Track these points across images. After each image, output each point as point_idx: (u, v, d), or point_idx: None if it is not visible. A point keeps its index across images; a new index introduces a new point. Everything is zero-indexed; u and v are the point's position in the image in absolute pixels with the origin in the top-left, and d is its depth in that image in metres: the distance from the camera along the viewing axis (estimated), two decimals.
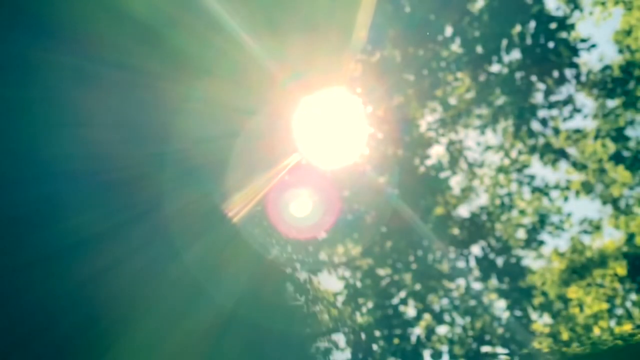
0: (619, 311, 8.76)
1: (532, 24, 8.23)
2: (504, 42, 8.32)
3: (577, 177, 9.37)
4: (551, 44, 8.30)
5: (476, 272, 9.48)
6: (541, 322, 9.24)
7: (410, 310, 9.36)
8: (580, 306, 8.88)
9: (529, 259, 9.65)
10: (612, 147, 8.98)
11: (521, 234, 9.71)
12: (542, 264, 9.65)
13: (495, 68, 8.71)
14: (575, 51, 8.33)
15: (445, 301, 9.49)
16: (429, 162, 9.46)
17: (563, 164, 9.30)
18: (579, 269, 9.17)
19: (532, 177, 9.63)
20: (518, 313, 9.30)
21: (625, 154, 8.94)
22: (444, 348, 9.30)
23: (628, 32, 8.62)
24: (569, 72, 8.54)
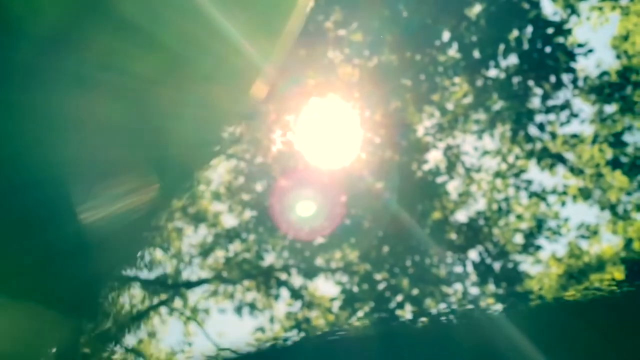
0: None
1: (529, 29, 8.24)
2: (501, 47, 8.32)
3: (574, 182, 9.36)
4: (548, 49, 8.31)
5: (473, 277, 9.46)
6: None
7: (407, 315, 9.34)
8: None
9: (527, 264, 9.64)
10: (609, 152, 8.99)
11: (518, 239, 9.69)
12: (539, 269, 9.64)
13: (492, 73, 8.72)
14: (572, 56, 8.33)
15: (442, 306, 9.48)
16: (426, 167, 9.45)
17: (560, 169, 9.29)
18: (577, 274, 9.16)
19: (530, 182, 9.62)
20: None
21: (623, 159, 8.94)
22: None
23: (625, 38, 8.63)
24: (566, 77, 8.54)
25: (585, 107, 9.14)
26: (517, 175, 9.62)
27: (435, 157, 9.72)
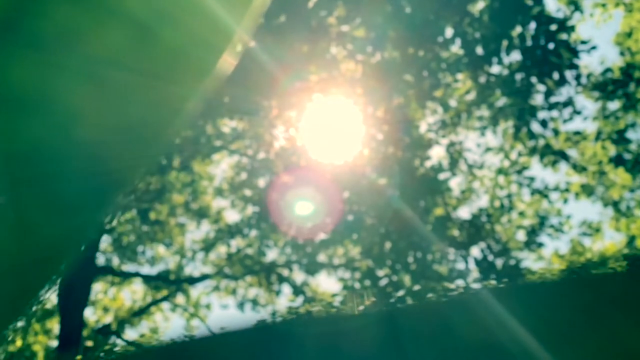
0: None
1: (532, 26, 8.22)
2: (504, 44, 8.30)
3: (577, 179, 9.35)
4: (551, 46, 8.29)
5: (475, 274, 9.47)
6: None
7: None
8: None
9: (529, 261, 9.63)
10: (612, 149, 8.97)
11: (521, 236, 9.69)
12: (541, 265, 9.63)
13: (495, 69, 8.70)
14: (575, 53, 8.31)
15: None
16: (428, 164, 9.45)
17: (563, 166, 9.28)
18: (579, 270, 9.13)
19: (532, 179, 9.61)
20: None
21: (626, 156, 8.93)
22: None
23: (629, 34, 8.61)
24: (569, 74, 8.52)
25: (588, 104, 9.14)
26: (519, 172, 9.61)
27: (437, 154, 9.72)
